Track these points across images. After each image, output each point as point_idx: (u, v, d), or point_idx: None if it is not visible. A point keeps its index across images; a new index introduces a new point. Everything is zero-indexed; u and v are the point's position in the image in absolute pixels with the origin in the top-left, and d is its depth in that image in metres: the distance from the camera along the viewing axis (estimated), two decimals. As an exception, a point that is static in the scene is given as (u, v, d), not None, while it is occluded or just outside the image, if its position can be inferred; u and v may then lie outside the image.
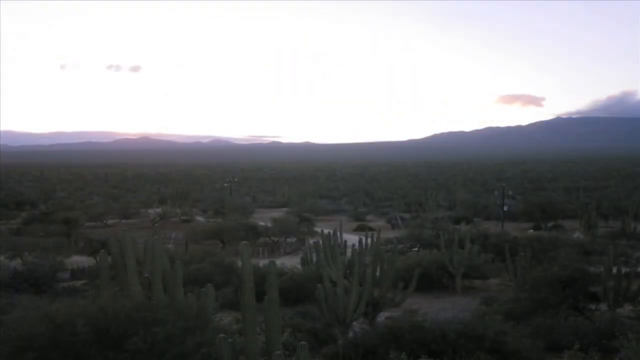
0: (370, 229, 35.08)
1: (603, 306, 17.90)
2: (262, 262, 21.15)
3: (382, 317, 16.54)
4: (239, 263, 11.22)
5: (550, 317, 16.09)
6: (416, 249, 34.11)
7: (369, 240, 20.63)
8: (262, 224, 46.85)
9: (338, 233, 21.97)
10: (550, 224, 50.12)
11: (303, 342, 9.19)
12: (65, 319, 9.54)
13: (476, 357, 12.15)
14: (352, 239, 26.68)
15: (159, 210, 63.95)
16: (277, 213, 57.51)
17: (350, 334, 14.68)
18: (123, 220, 57.55)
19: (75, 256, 32.30)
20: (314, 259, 22.49)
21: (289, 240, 42.87)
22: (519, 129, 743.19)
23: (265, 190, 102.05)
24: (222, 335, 9.41)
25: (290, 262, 27.36)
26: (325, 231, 20.79)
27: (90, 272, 26.02)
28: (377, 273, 16.87)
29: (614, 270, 18.08)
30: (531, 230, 45.40)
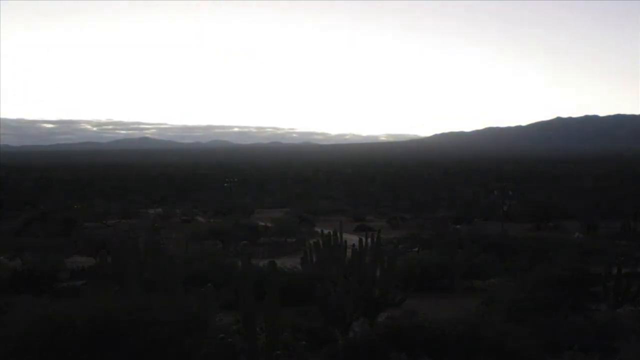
0: (370, 229, 35.08)
1: (603, 306, 17.91)
2: (262, 262, 21.13)
3: (382, 317, 16.53)
4: (239, 263, 11.24)
5: (550, 317, 16.09)
6: (416, 249, 34.13)
7: (369, 240, 20.62)
8: (262, 224, 46.85)
9: (338, 233, 21.98)
10: (550, 224, 50.14)
11: (303, 342, 9.20)
12: (65, 319, 9.54)
13: (476, 357, 12.16)
14: (352, 239, 26.65)
15: (159, 210, 63.94)
16: (277, 213, 57.49)
17: (350, 334, 14.68)
18: (123, 220, 57.52)
19: (75, 256, 32.28)
20: (314, 259, 22.49)
21: (289, 240, 42.87)
22: (519, 129, 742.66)
23: (265, 190, 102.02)
24: (222, 335, 9.42)
25: (290, 262, 27.33)
26: (325, 231, 20.79)
27: (90, 272, 25.98)
28: (377, 273, 16.87)
29: (614, 270, 18.10)
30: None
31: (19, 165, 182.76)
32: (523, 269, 21.91)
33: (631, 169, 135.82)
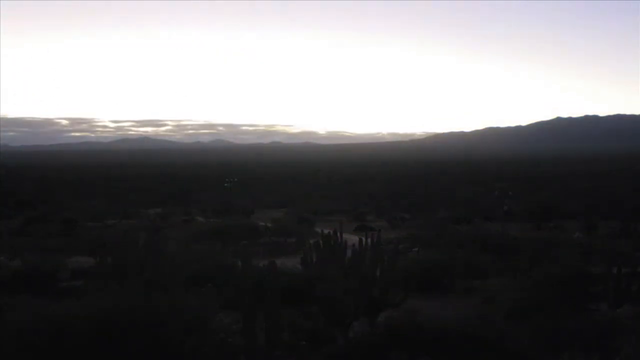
0: (371, 229, 35.05)
1: (603, 306, 17.90)
2: (262, 262, 21.10)
3: (382, 317, 16.52)
4: (239, 263, 11.23)
5: (550, 317, 16.09)
6: (416, 249, 34.12)
7: (369, 240, 20.60)
8: (262, 224, 46.82)
9: (338, 233, 21.97)
10: (550, 224, 50.13)
11: (303, 342, 9.19)
12: (65, 319, 9.54)
13: (476, 357, 12.16)
14: (352, 239, 26.62)
15: (159, 210, 63.88)
16: (277, 213, 57.43)
17: (350, 334, 14.67)
18: (123, 220, 57.47)
19: (75, 256, 32.27)
20: (314, 259, 22.49)
21: (289, 240, 42.86)
22: (519, 129, 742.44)
23: (265, 190, 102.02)
24: (222, 335, 9.41)
25: (290, 262, 27.32)
26: (325, 231, 20.77)
27: (91, 272, 25.97)
28: (377, 273, 16.86)
29: (614, 270, 18.09)
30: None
31: (20, 165, 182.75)
32: (523, 269, 21.89)
33: (631, 169, 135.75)
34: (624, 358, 11.51)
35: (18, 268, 24.07)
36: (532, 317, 16.35)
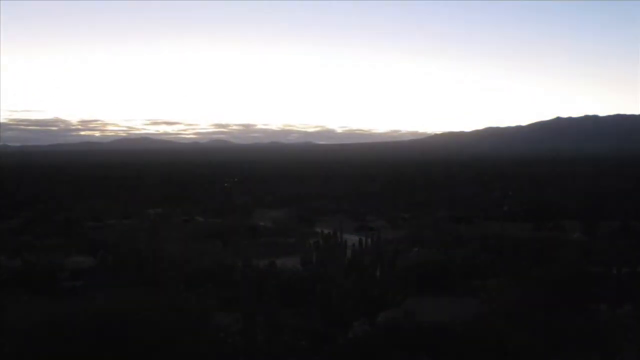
0: (371, 229, 35.09)
1: (603, 306, 17.90)
2: (262, 262, 21.11)
3: (382, 317, 16.52)
4: (239, 263, 11.25)
5: (550, 317, 16.10)
6: (416, 249, 34.13)
7: (369, 240, 20.61)
8: (262, 224, 46.85)
9: (338, 233, 22.00)
10: (550, 224, 50.13)
11: (303, 342, 9.20)
12: (65, 319, 9.54)
13: (476, 358, 12.16)
14: (352, 239, 26.64)
15: (159, 210, 63.88)
16: (277, 213, 57.47)
17: (350, 334, 14.68)
18: (123, 221, 57.48)
19: (75, 256, 32.28)
20: (314, 259, 22.52)
21: (289, 240, 42.88)
22: (519, 129, 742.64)
23: (265, 190, 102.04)
24: (222, 335, 9.42)
25: (290, 262, 27.33)
26: (325, 231, 20.78)
27: (91, 272, 25.98)
28: (377, 273, 16.87)
29: (614, 270, 18.11)
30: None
31: (20, 165, 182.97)
32: (523, 269, 21.89)
33: (631, 169, 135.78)
34: (624, 358, 11.51)
35: (18, 268, 24.07)
36: (532, 317, 16.36)
